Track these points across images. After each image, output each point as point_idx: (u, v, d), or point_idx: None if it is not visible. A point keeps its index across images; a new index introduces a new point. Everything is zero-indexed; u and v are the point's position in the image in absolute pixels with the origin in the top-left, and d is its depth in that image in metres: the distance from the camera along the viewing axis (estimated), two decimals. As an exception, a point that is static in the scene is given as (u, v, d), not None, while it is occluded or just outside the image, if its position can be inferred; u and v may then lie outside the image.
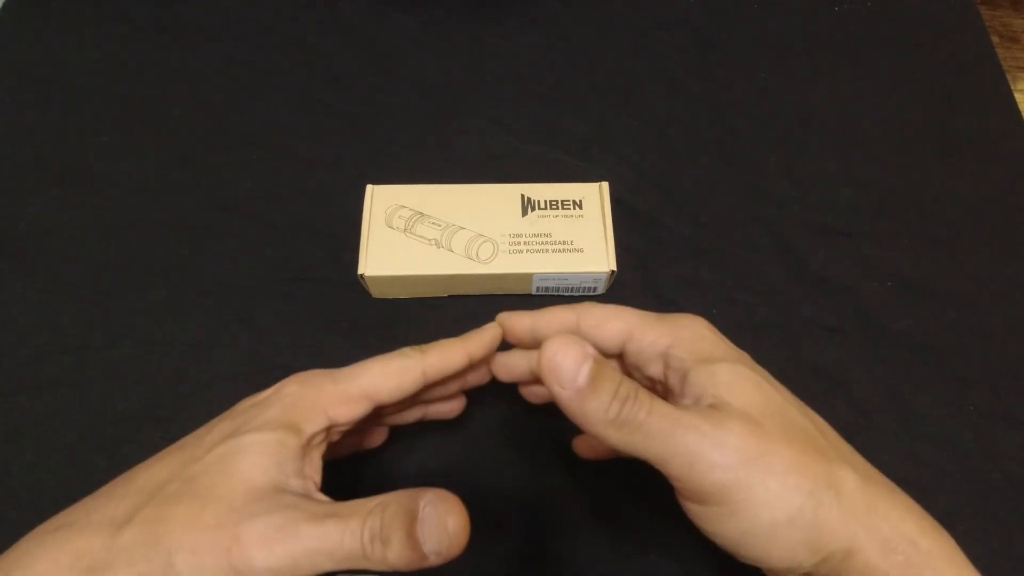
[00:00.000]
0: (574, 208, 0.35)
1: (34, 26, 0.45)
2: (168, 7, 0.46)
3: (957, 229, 0.39)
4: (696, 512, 0.20)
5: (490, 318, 0.36)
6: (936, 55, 0.45)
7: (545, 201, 0.36)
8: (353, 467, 0.32)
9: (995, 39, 0.47)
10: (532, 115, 0.43)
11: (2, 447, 0.32)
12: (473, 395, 0.34)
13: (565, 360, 0.19)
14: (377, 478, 0.32)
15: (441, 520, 0.19)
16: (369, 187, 0.36)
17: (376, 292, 0.36)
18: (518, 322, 0.27)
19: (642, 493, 0.32)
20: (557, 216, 0.35)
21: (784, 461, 0.19)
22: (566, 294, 0.36)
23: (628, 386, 0.20)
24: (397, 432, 0.33)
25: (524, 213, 0.35)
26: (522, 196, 0.36)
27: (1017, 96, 0.44)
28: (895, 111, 0.43)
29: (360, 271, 0.33)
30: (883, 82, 0.44)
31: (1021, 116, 0.43)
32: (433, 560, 0.19)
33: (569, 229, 0.35)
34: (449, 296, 0.36)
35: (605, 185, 0.36)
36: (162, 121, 0.42)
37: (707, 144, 0.42)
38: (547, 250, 0.34)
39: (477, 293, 0.36)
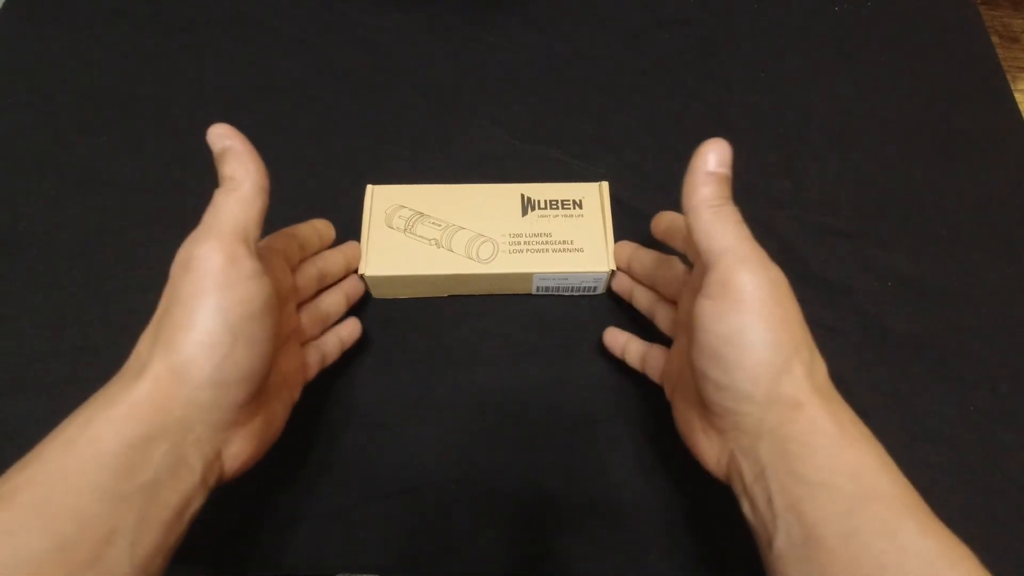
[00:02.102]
0: (574, 208, 0.35)
1: (34, 26, 0.45)
2: (168, 6, 0.46)
3: (957, 229, 0.39)
4: (707, 308, 0.23)
5: (491, 318, 0.36)
6: (936, 55, 0.45)
7: (545, 201, 0.36)
8: (352, 468, 0.32)
9: (995, 39, 0.46)
10: (532, 115, 0.43)
11: (2, 447, 0.32)
12: (473, 396, 0.34)
13: (722, 152, 0.24)
14: (375, 479, 0.32)
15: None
16: (369, 187, 0.36)
17: (376, 292, 0.36)
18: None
19: (643, 493, 0.32)
20: (557, 216, 0.35)
21: (789, 316, 0.24)
22: (566, 294, 0.36)
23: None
24: (396, 434, 0.33)
25: (524, 213, 0.35)
26: (522, 196, 0.36)
27: (1017, 96, 0.44)
28: (895, 111, 0.43)
29: (360, 271, 0.33)
30: (883, 82, 0.44)
31: (1021, 116, 0.43)
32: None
33: (569, 229, 0.35)
34: (449, 296, 0.36)
35: (605, 185, 0.36)
36: (162, 121, 0.42)
37: (707, 144, 0.42)
38: (547, 250, 0.34)
39: (477, 293, 0.36)
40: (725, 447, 0.25)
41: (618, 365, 0.35)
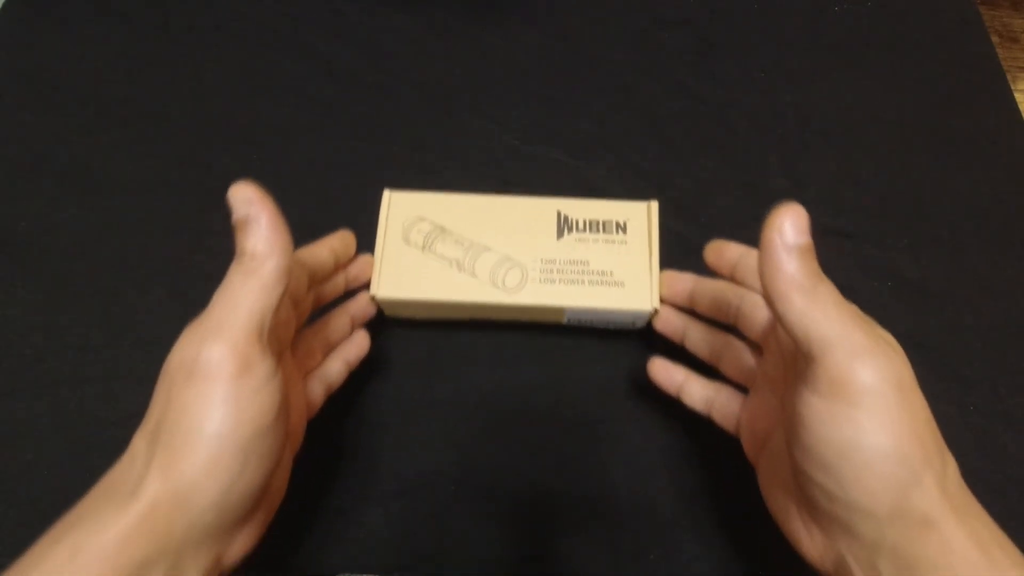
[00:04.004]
0: (616, 232, 0.32)
1: (34, 26, 0.45)
2: (168, 7, 0.46)
3: (957, 229, 0.39)
4: (816, 408, 0.20)
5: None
6: (936, 55, 0.45)
7: (584, 221, 0.32)
8: (352, 468, 0.32)
9: (995, 39, 0.46)
10: (532, 115, 0.43)
11: (2, 447, 0.32)
12: (473, 396, 0.34)
13: (798, 218, 0.20)
14: (375, 479, 0.32)
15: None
16: (387, 193, 0.33)
17: (389, 312, 0.34)
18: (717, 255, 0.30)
19: (643, 493, 0.32)
20: (597, 241, 0.32)
21: (918, 419, 0.20)
22: (600, 327, 0.34)
23: (820, 271, 0.21)
24: (395, 434, 0.33)
25: (560, 234, 0.32)
26: (558, 214, 0.32)
27: (1017, 96, 0.44)
28: (895, 111, 0.43)
29: (372, 292, 0.31)
30: (883, 82, 0.44)
31: (1021, 116, 0.43)
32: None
33: (609, 257, 0.31)
34: (469, 320, 0.34)
35: (654, 205, 0.32)
36: (162, 121, 0.42)
37: (707, 144, 0.42)
38: (583, 281, 0.31)
39: (501, 319, 0.34)
40: (832, 547, 0.22)
41: (618, 365, 0.35)
